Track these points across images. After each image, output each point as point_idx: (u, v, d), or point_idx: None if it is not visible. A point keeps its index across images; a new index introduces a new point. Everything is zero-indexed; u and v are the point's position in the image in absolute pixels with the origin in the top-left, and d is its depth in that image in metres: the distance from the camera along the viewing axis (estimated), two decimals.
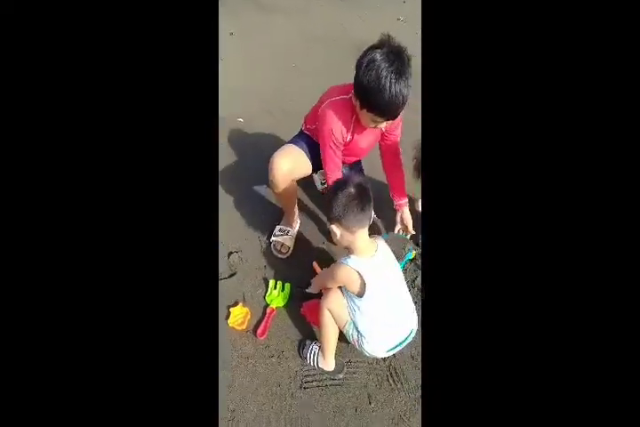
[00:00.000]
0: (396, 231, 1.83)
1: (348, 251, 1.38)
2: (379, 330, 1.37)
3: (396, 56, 1.30)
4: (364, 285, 1.30)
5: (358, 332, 1.38)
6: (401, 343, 1.41)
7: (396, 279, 1.41)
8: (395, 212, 1.83)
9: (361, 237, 1.34)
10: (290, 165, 1.66)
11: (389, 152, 1.79)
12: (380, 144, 1.81)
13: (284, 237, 1.94)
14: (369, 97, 1.36)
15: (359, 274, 1.29)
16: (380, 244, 1.40)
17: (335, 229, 1.34)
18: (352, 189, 1.30)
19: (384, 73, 1.29)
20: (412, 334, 1.45)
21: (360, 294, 1.31)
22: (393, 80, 1.29)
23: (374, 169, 2.00)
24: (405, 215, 1.81)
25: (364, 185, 1.33)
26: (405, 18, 4.09)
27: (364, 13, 4.26)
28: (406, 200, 1.81)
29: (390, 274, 1.39)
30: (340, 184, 1.34)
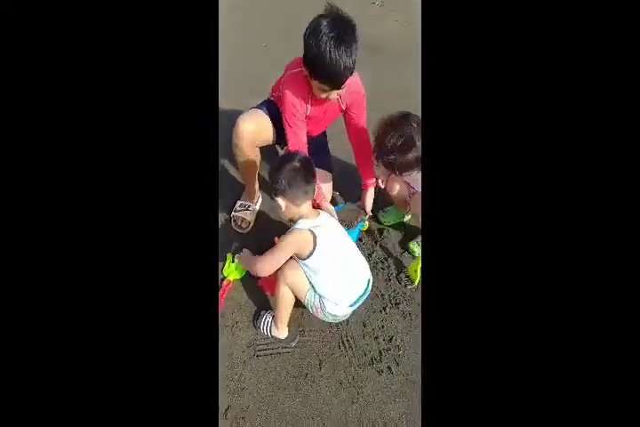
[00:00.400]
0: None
1: (293, 222, 1.43)
2: (337, 287, 1.40)
3: (339, 24, 1.31)
4: (315, 242, 1.33)
5: (319, 296, 1.41)
6: (361, 296, 1.45)
7: (341, 235, 1.46)
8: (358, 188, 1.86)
9: (305, 208, 1.40)
10: (254, 126, 1.65)
11: (354, 132, 1.80)
12: (345, 123, 1.82)
13: (244, 212, 1.95)
14: (312, 64, 1.38)
15: (311, 232, 1.34)
16: (322, 213, 1.47)
17: (281, 201, 1.38)
18: (296, 163, 1.34)
19: (324, 39, 1.29)
20: (370, 285, 1.48)
21: (311, 253, 1.34)
22: (332, 47, 1.29)
23: (343, 144, 2.02)
24: (366, 196, 1.83)
25: (307, 159, 1.38)
26: (381, 2, 4.08)
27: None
28: (373, 180, 1.83)
29: (335, 231, 1.45)
30: (285, 158, 1.38)
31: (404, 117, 1.49)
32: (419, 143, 1.45)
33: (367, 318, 1.63)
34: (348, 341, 1.56)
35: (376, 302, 1.67)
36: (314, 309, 1.45)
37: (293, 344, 1.54)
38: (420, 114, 0.89)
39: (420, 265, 1.66)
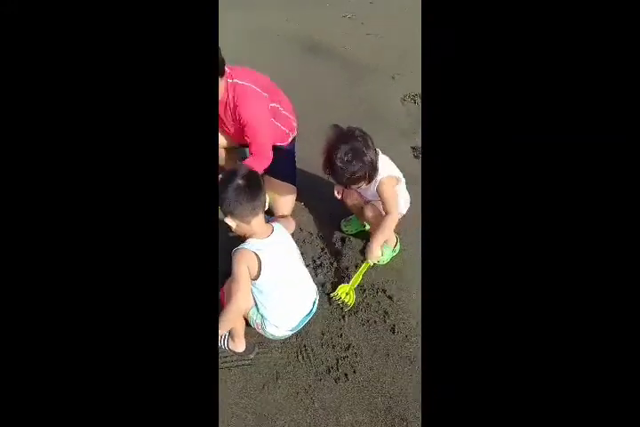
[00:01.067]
0: None
1: (245, 238, 1.44)
2: (280, 311, 1.43)
3: None
4: (260, 266, 1.34)
5: (261, 315, 1.43)
6: (305, 317, 1.47)
7: (290, 257, 1.47)
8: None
9: (257, 223, 1.39)
10: None
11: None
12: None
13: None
14: None
15: (256, 254, 1.34)
16: (276, 226, 1.46)
17: (230, 221, 1.38)
18: (239, 181, 1.33)
19: None
20: (315, 306, 1.50)
21: (258, 275, 1.35)
22: None
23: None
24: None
25: (251, 174, 1.37)
26: (352, 15, 4.17)
27: (311, 9, 4.32)
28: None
29: (284, 252, 1.45)
30: (226, 178, 1.35)
31: (351, 132, 1.53)
32: (366, 157, 1.50)
33: (326, 326, 1.64)
34: (306, 350, 1.57)
35: (336, 311, 1.69)
36: (254, 325, 1.48)
37: (252, 356, 1.55)
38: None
39: (351, 286, 1.70)
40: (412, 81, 2.99)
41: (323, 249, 1.92)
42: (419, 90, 2.85)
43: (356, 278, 1.70)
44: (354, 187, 1.58)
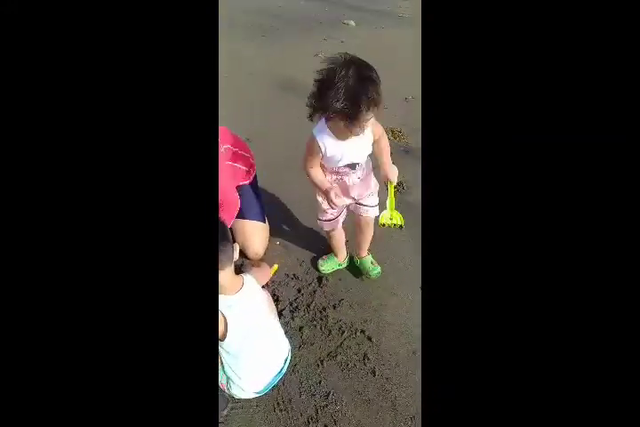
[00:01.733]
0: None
1: None
2: (247, 375, 1.37)
3: None
4: (226, 326, 1.29)
5: (227, 376, 1.37)
6: (275, 378, 1.41)
7: (262, 314, 1.41)
8: None
9: (224, 277, 1.31)
10: None
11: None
12: None
13: None
14: None
15: (222, 313, 1.29)
16: (247, 279, 1.39)
17: None
18: None
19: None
20: (287, 365, 1.44)
21: (224, 336, 1.29)
22: None
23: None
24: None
25: (220, 224, 1.31)
26: (324, 54, 4.31)
27: (284, 49, 4.46)
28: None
29: (256, 310, 1.39)
30: None
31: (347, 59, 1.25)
32: (373, 74, 1.24)
33: (304, 374, 1.57)
34: (284, 402, 1.50)
35: (312, 355, 1.63)
36: (220, 385, 1.42)
37: (225, 413, 1.47)
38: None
39: (390, 211, 1.55)
40: (383, 115, 3.07)
41: (299, 290, 1.88)
42: (391, 124, 2.91)
43: (391, 201, 1.56)
44: (365, 120, 1.27)
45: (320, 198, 1.67)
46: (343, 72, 1.20)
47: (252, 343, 1.35)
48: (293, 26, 5.27)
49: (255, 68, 4.00)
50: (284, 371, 1.43)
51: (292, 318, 1.75)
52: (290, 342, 1.61)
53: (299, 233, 2.18)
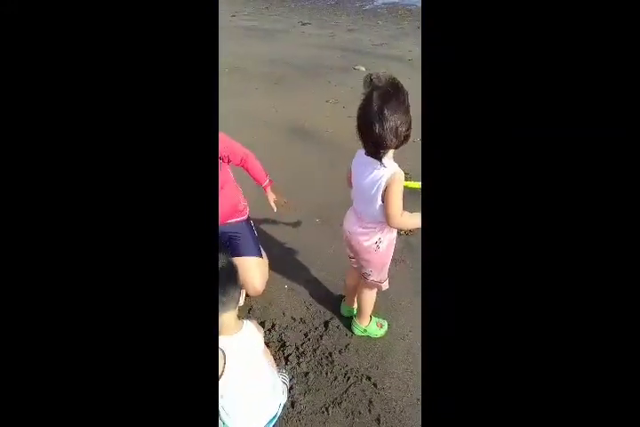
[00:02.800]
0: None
1: None
2: (245, 412, 1.38)
3: None
4: (224, 364, 1.33)
5: (222, 422, 1.39)
6: (270, 421, 1.42)
7: (257, 355, 1.45)
8: None
9: (228, 318, 1.35)
10: None
11: (235, 161, 2.04)
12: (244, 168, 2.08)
13: None
14: None
15: (222, 352, 1.34)
16: (247, 323, 1.44)
17: None
18: None
19: None
20: (280, 410, 1.45)
21: (221, 375, 1.33)
22: None
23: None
24: (269, 194, 2.12)
25: (226, 266, 1.36)
26: (334, 100, 4.52)
27: (296, 96, 4.70)
28: (268, 181, 2.13)
29: (252, 350, 1.43)
30: None
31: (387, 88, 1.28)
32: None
33: (309, 421, 1.59)
34: None
35: (318, 402, 1.65)
36: None
37: None
38: None
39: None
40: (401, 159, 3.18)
41: (306, 335, 1.92)
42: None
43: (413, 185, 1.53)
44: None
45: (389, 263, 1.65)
46: (402, 97, 1.27)
47: (250, 383, 1.37)
48: (305, 73, 5.56)
49: (267, 116, 4.21)
50: (278, 415, 1.45)
51: (299, 364, 1.78)
52: (294, 388, 1.64)
53: (307, 277, 2.24)
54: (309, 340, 1.90)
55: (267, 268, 2.11)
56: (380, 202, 1.40)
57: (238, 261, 1.97)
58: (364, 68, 5.61)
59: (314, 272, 2.27)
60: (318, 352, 1.84)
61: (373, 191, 1.39)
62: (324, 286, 2.18)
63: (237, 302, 1.37)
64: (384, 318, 1.95)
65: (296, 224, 2.62)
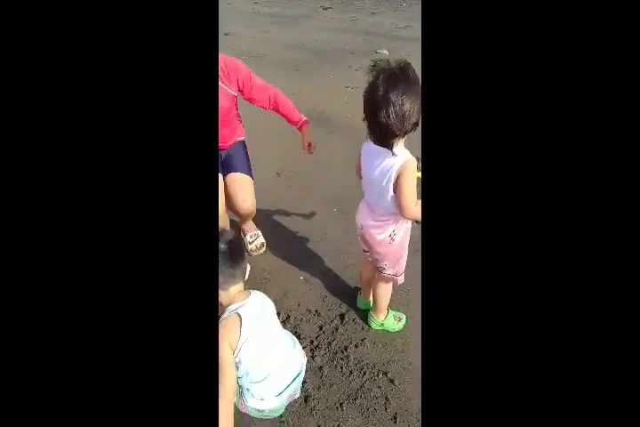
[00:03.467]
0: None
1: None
2: (264, 376, 1.36)
3: None
4: (241, 327, 1.31)
5: (241, 387, 1.37)
6: (293, 380, 1.41)
7: (271, 322, 1.45)
8: None
9: (235, 291, 1.38)
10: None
11: (259, 94, 2.06)
12: (250, 100, 2.10)
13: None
14: None
15: (237, 315, 1.32)
16: (254, 293, 1.44)
17: None
18: (222, 246, 1.33)
19: None
20: (303, 371, 1.44)
21: (238, 339, 1.31)
22: None
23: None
24: (306, 133, 2.06)
25: (235, 240, 1.38)
26: (354, 86, 4.39)
27: (316, 82, 4.59)
28: (303, 117, 2.06)
29: (264, 318, 1.42)
30: None
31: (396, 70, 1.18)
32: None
33: (322, 417, 1.54)
34: None
35: (332, 397, 1.60)
36: (237, 403, 1.41)
37: None
38: None
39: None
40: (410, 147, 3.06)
41: (321, 327, 1.86)
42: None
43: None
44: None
45: (405, 256, 1.56)
46: (412, 81, 1.18)
47: (268, 344, 1.37)
48: (326, 58, 5.43)
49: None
50: (302, 372, 1.44)
51: (313, 357, 1.73)
52: (309, 382, 1.59)
53: (322, 268, 2.18)
54: (324, 333, 1.84)
55: (252, 187, 2.14)
56: (391, 193, 1.31)
57: (230, 177, 2.07)
58: (386, 52, 5.44)
59: (330, 263, 2.20)
60: (333, 346, 1.78)
61: (384, 182, 1.30)
62: (340, 278, 2.12)
63: (245, 274, 1.40)
64: (402, 311, 1.87)
65: (312, 214, 2.55)
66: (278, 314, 1.92)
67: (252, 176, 2.17)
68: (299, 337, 1.81)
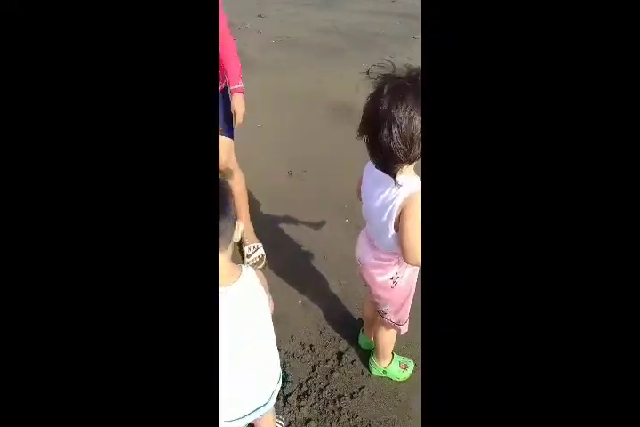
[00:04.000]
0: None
1: None
2: (229, 391, 1.01)
3: None
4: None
5: None
6: (254, 410, 1.08)
7: (262, 314, 1.06)
8: None
9: (220, 259, 0.93)
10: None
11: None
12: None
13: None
14: None
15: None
16: (246, 269, 1.03)
17: None
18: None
19: None
20: (272, 399, 1.10)
21: None
22: None
23: None
24: (237, 102, 1.78)
25: (223, 182, 0.96)
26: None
27: (344, 70, 4.23)
28: (240, 86, 1.76)
29: (254, 307, 1.04)
30: None
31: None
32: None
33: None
34: None
35: None
36: None
37: None
38: None
39: None
40: None
41: (313, 368, 1.59)
42: None
43: None
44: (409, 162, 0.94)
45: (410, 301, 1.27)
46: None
47: (245, 349, 1.02)
48: (358, 43, 5.05)
49: (310, 92, 3.82)
50: (268, 404, 1.10)
51: (299, 407, 1.46)
52: None
53: (325, 293, 1.89)
54: (317, 375, 1.56)
55: (230, 148, 1.89)
56: (392, 231, 1.00)
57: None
58: None
59: (334, 287, 1.91)
60: (325, 394, 1.50)
61: (384, 217, 0.99)
62: (343, 306, 1.82)
63: (230, 239, 0.95)
64: (410, 358, 1.56)
65: (321, 224, 2.25)
66: None
67: (232, 137, 1.89)
68: (286, 378, 1.55)
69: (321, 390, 1.51)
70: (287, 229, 2.26)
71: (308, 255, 2.09)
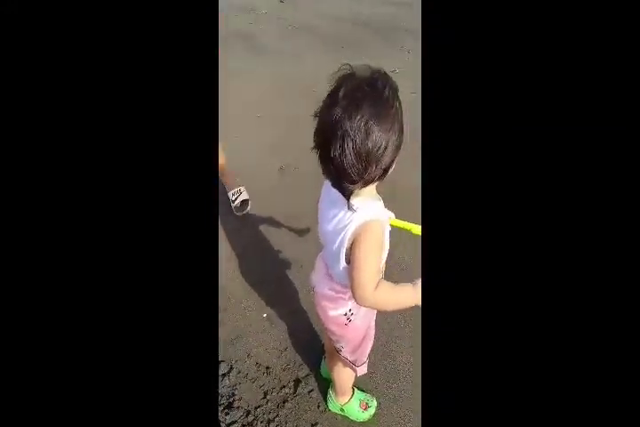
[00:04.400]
0: None
1: None
2: None
3: None
4: None
5: None
6: None
7: None
8: None
9: None
10: None
11: None
12: None
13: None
14: None
15: None
16: None
17: None
18: None
19: None
20: None
21: None
22: None
23: None
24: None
25: None
26: (401, 70, 3.80)
27: (359, 62, 4.01)
28: None
29: None
30: None
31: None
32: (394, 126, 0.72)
33: None
34: None
35: None
36: None
37: None
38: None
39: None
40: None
41: (265, 395, 1.42)
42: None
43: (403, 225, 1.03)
44: (364, 185, 0.76)
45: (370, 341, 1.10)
46: (389, 103, 0.72)
47: None
48: (377, 35, 4.81)
49: (320, 86, 3.61)
50: None
51: None
52: None
53: (293, 308, 1.72)
54: (267, 403, 1.40)
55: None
56: (343, 263, 0.82)
57: None
58: None
59: (304, 303, 1.73)
60: (273, 425, 1.34)
61: (336, 245, 0.81)
62: (310, 324, 1.65)
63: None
64: (372, 396, 1.38)
65: (305, 231, 2.05)
66: (220, 362, 1.51)
67: None
68: (232, 403, 1.39)
69: (269, 422, 1.35)
70: (268, 232, 2.08)
71: (284, 264, 1.91)
